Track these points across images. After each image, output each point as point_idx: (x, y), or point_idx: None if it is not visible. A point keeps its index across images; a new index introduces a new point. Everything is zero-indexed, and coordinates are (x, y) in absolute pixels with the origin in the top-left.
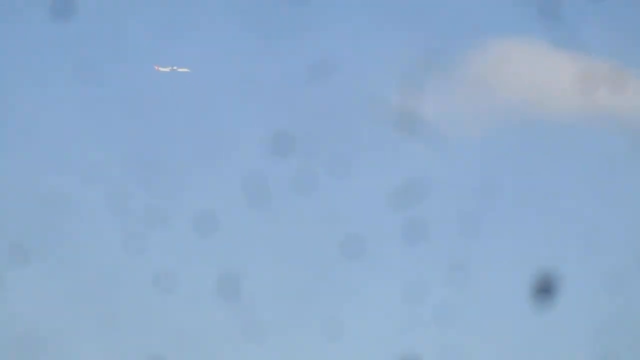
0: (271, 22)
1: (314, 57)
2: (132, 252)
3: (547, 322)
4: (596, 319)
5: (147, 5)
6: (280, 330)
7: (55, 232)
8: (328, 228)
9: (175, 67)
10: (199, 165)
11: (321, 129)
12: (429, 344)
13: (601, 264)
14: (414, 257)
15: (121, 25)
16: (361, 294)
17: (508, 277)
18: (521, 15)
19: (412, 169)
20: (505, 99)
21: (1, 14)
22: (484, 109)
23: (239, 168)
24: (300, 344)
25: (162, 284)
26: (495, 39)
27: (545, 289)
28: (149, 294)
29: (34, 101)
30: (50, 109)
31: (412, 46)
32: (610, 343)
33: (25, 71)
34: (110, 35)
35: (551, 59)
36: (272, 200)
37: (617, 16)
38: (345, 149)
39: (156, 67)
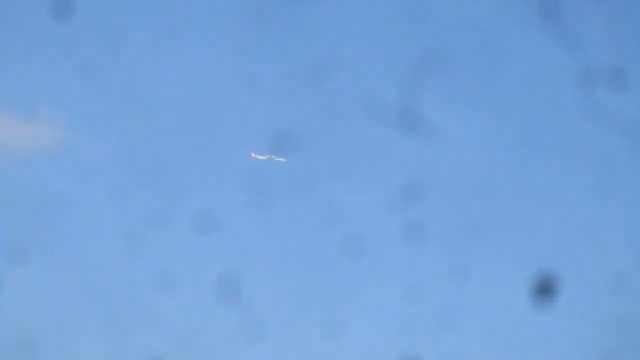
0: (271, 22)
1: (314, 57)
2: (132, 252)
3: (547, 322)
4: (596, 319)
5: (147, 5)
6: (280, 330)
7: (55, 232)
8: (328, 228)
9: (272, 156)
10: (199, 165)
11: (321, 129)
12: (429, 344)
13: (601, 264)
14: (414, 257)
15: (121, 25)
16: (361, 294)
17: (508, 277)
18: (521, 15)
19: (412, 168)
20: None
21: (1, 14)
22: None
23: (239, 168)
24: (300, 344)
25: (162, 284)
26: (493, 39)
27: (545, 289)
28: (149, 294)
29: (33, 100)
30: (49, 109)
31: (412, 46)
32: (610, 343)
33: (25, 71)
34: (110, 35)
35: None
36: (272, 200)
37: (617, 16)
38: (345, 149)
39: (253, 155)
